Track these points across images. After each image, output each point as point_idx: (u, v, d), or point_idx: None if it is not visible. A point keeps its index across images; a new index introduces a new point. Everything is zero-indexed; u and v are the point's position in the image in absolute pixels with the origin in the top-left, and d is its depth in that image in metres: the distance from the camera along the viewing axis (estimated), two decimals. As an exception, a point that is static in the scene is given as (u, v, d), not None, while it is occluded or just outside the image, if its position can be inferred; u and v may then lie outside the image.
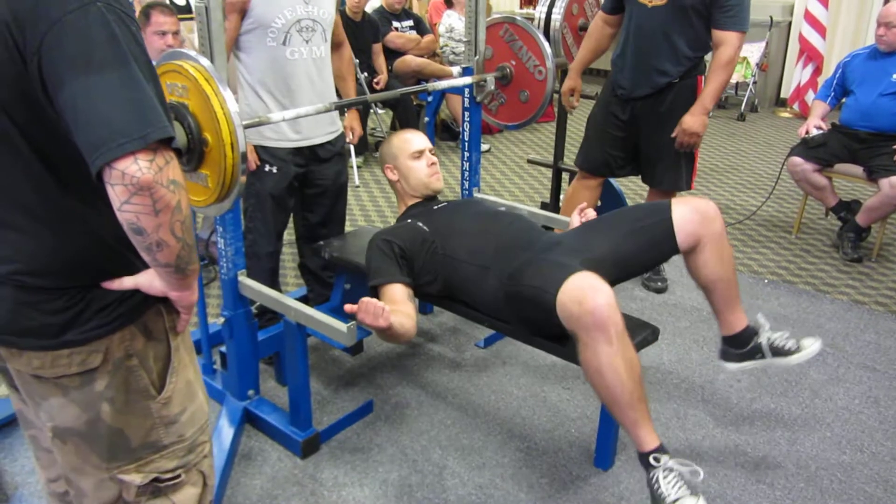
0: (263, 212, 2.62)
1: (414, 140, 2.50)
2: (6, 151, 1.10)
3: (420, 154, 2.47)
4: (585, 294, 1.79)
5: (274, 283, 2.78)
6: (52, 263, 1.15)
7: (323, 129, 2.63)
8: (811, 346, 2.19)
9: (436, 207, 2.43)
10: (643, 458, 1.83)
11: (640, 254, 2.14)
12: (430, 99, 3.78)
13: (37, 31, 1.00)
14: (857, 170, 3.90)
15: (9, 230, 1.15)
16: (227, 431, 2.35)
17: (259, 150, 2.54)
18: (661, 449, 1.82)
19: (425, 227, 2.29)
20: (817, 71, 6.79)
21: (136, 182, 1.00)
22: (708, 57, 3.17)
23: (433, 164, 2.50)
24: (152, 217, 1.04)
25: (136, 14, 3.38)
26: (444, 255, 2.22)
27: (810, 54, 6.78)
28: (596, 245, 2.13)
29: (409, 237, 2.25)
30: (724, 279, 2.14)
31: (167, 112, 1.08)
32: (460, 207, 2.45)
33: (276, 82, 2.49)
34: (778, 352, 2.20)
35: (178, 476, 1.33)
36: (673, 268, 3.53)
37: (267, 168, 2.56)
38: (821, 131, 3.96)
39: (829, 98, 4.12)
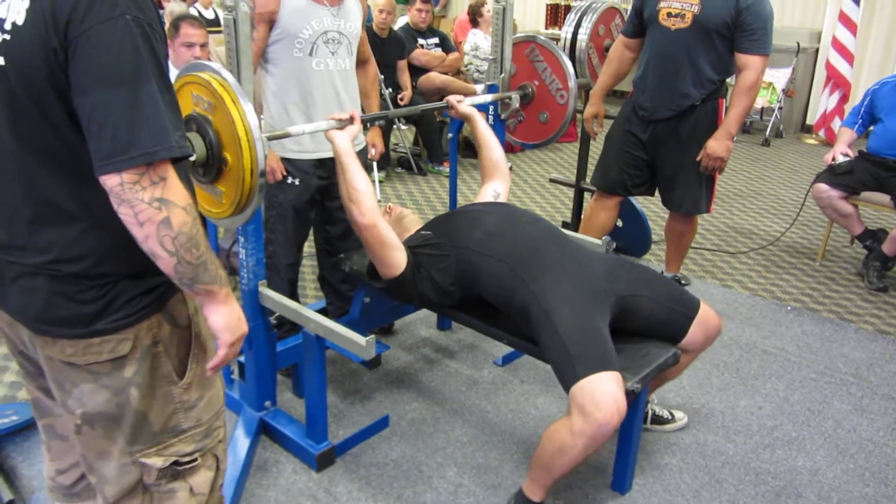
0: (285, 224, 2.63)
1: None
2: (40, 148, 1.17)
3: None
4: (608, 407, 1.83)
5: (293, 294, 2.79)
6: (84, 254, 1.21)
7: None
8: (681, 418, 2.59)
9: (436, 217, 2.45)
10: (527, 502, 2.07)
11: (648, 319, 2.16)
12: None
13: (69, 34, 1.07)
14: (884, 198, 3.85)
15: (42, 224, 1.21)
16: (242, 442, 2.34)
17: (282, 162, 2.55)
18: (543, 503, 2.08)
19: (429, 233, 2.31)
20: (844, 98, 6.74)
21: (117, 196, 1.11)
22: (730, 80, 3.17)
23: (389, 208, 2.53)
24: (138, 228, 1.14)
25: (167, 26, 3.44)
26: (454, 246, 2.21)
27: (837, 81, 6.73)
28: (625, 287, 2.14)
29: (413, 240, 2.29)
30: (668, 380, 2.44)
31: (178, 126, 1.15)
32: (467, 208, 2.45)
33: (302, 94, 2.51)
34: (656, 420, 2.56)
35: (196, 459, 1.40)
36: (693, 291, 3.49)
37: (290, 180, 2.57)
38: (847, 158, 3.92)
39: (857, 125, 4.08)
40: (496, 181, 2.58)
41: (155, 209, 1.12)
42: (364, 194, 2.09)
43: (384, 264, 2.14)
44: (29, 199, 1.20)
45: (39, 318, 1.24)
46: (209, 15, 5.77)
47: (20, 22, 1.11)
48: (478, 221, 2.27)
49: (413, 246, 2.23)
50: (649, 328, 2.18)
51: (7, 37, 1.12)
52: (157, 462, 1.34)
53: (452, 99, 2.57)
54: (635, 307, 2.14)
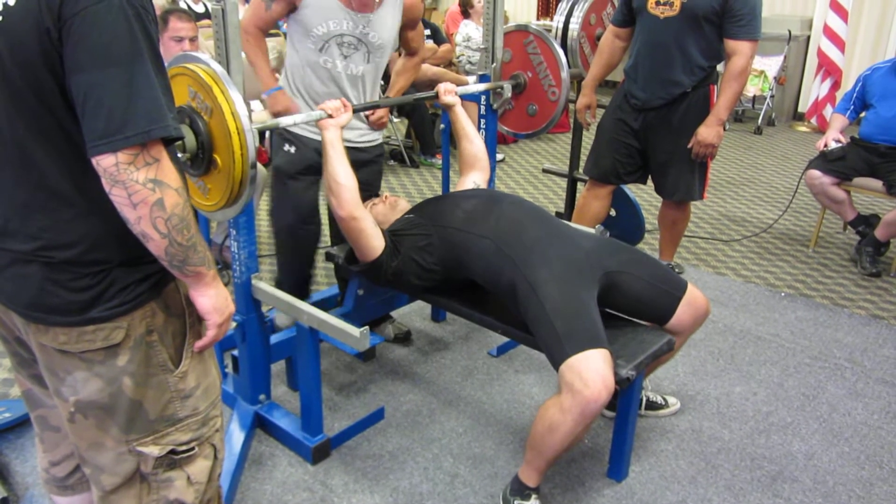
0: (280, 184, 2.64)
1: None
2: (35, 130, 1.16)
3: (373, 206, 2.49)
4: (596, 384, 1.83)
5: (304, 260, 2.78)
6: (76, 240, 1.20)
7: (351, 135, 2.62)
8: (674, 404, 2.61)
9: (419, 202, 2.47)
10: (523, 487, 2.05)
11: (635, 297, 2.17)
12: (445, 107, 3.76)
13: (63, 14, 1.07)
14: (877, 184, 3.86)
15: (36, 209, 1.20)
16: (237, 436, 2.33)
17: (282, 130, 2.56)
18: (538, 489, 2.06)
19: (412, 215, 2.33)
20: (836, 85, 6.74)
21: (111, 177, 1.10)
22: (720, 67, 3.17)
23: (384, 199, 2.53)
24: (131, 209, 1.13)
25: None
26: (436, 226, 2.24)
27: (829, 68, 6.74)
28: (613, 263, 2.15)
29: (396, 224, 2.32)
30: (661, 364, 2.44)
31: (171, 108, 1.15)
32: (450, 193, 2.46)
33: (309, 82, 2.54)
34: (650, 406, 2.57)
35: (193, 448, 1.39)
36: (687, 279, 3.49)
37: (286, 147, 2.59)
38: (839, 144, 3.93)
39: (849, 111, 4.09)
40: (476, 172, 2.59)
41: (149, 190, 1.12)
42: (344, 187, 2.12)
43: (361, 251, 2.20)
44: (23, 184, 1.19)
45: (32, 306, 1.23)
46: (198, 8, 5.73)
47: (11, 2, 1.10)
48: (460, 203, 2.29)
49: (393, 230, 2.26)
50: (636, 306, 2.19)
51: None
52: (154, 451, 1.34)
53: (442, 87, 2.56)
54: (622, 284, 2.15)
